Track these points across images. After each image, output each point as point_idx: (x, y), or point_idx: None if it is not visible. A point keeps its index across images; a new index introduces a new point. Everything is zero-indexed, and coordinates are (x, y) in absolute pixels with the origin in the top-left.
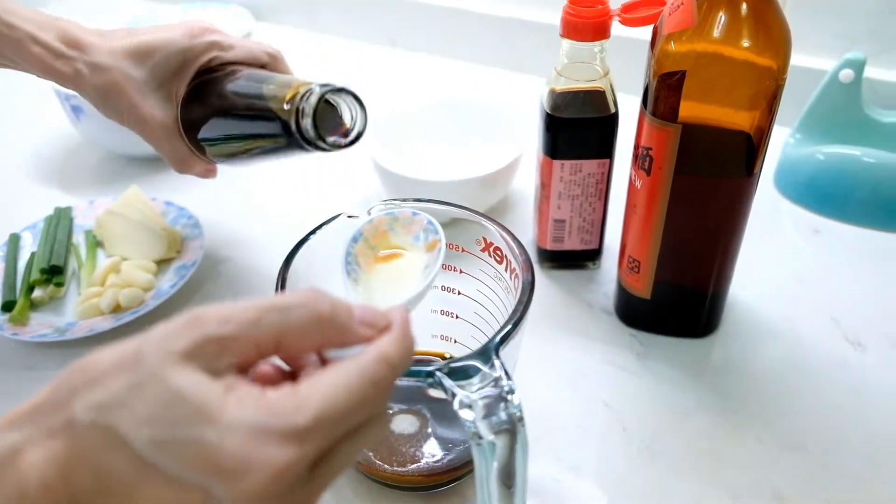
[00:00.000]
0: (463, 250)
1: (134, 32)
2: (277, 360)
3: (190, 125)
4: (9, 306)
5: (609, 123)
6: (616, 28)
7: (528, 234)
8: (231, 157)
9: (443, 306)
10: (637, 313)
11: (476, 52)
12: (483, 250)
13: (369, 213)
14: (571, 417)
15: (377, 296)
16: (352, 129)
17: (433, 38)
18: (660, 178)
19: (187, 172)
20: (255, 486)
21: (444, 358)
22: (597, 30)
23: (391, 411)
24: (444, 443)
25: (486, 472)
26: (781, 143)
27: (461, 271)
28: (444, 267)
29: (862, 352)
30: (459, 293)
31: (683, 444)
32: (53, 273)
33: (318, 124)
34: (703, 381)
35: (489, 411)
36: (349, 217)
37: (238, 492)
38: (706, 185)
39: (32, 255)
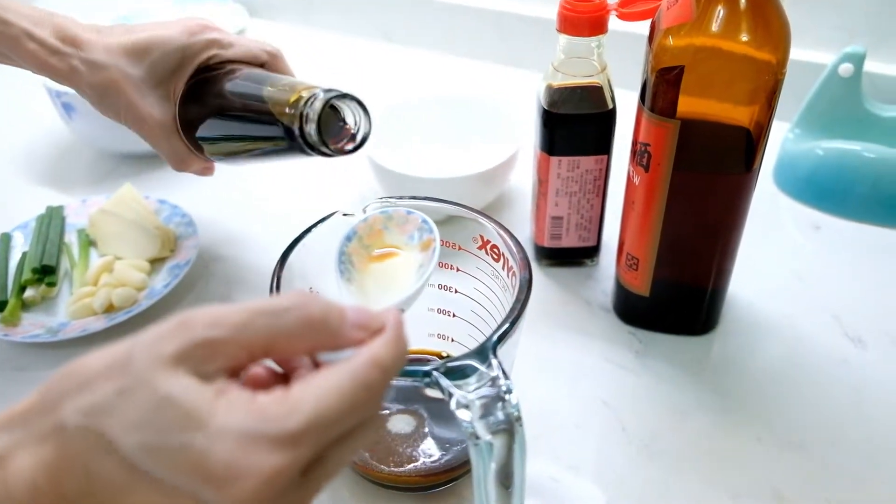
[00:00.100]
0: (460, 248)
1: (131, 29)
2: (270, 362)
3: (188, 123)
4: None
5: (607, 119)
6: (613, 23)
7: (525, 231)
8: (229, 156)
9: (440, 305)
10: (636, 311)
11: (472, 47)
12: (480, 248)
13: (364, 212)
14: (570, 416)
15: (371, 295)
16: (355, 135)
17: (429, 34)
18: (658, 175)
19: (185, 170)
20: (246, 492)
21: (441, 357)
22: (594, 24)
23: (388, 411)
24: (442, 443)
25: (484, 472)
26: (781, 138)
27: (458, 269)
28: (441, 265)
29: (862, 349)
30: (456, 291)
31: (682, 442)
32: (45, 273)
33: (321, 129)
34: (702, 379)
35: (486, 411)
36: (344, 215)
37: (228, 498)
38: (705, 182)
39: (24, 254)
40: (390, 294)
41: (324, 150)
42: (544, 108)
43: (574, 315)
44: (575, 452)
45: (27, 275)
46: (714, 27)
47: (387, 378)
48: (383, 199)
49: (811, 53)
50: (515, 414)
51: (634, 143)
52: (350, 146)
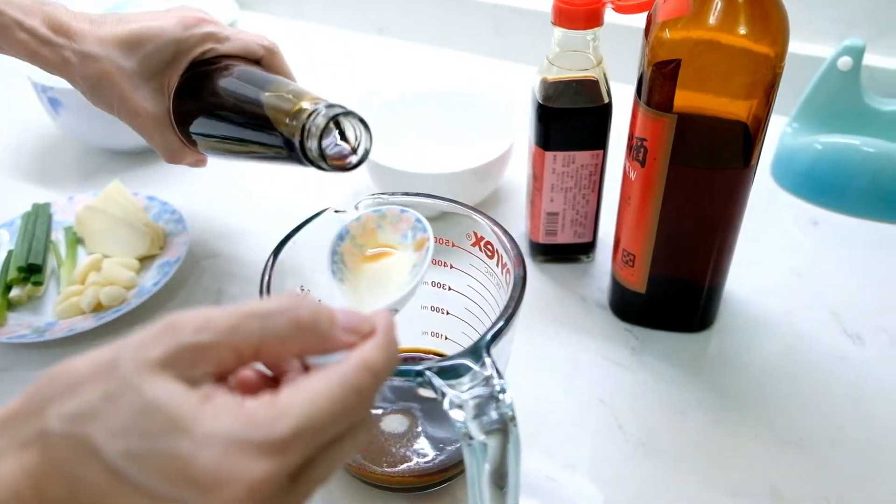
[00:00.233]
0: (453, 245)
1: (125, 19)
2: (260, 365)
3: (182, 117)
4: None
5: (602, 114)
6: (609, 16)
7: (519, 227)
8: (222, 153)
9: (433, 302)
10: (632, 307)
11: (466, 40)
12: (474, 245)
13: (356, 208)
14: (566, 414)
15: (364, 296)
16: (356, 151)
17: (422, 27)
18: (655, 170)
19: (178, 163)
20: (232, 499)
21: (434, 355)
22: (589, 17)
23: (382, 411)
24: (436, 443)
25: (478, 472)
26: (779, 132)
27: (451, 266)
28: (435, 262)
29: (861, 346)
30: (450, 289)
31: (680, 440)
32: (31, 271)
33: (321, 144)
34: (699, 376)
35: (480, 411)
36: (336, 212)
37: None
38: (702, 177)
39: (9, 253)
40: (383, 295)
41: (322, 165)
42: (539, 103)
43: (570, 312)
44: (571, 451)
45: (13, 274)
46: (711, 20)
47: (377, 382)
48: (375, 196)
49: (810, 46)
50: (510, 414)
51: (630, 137)
52: (348, 163)
